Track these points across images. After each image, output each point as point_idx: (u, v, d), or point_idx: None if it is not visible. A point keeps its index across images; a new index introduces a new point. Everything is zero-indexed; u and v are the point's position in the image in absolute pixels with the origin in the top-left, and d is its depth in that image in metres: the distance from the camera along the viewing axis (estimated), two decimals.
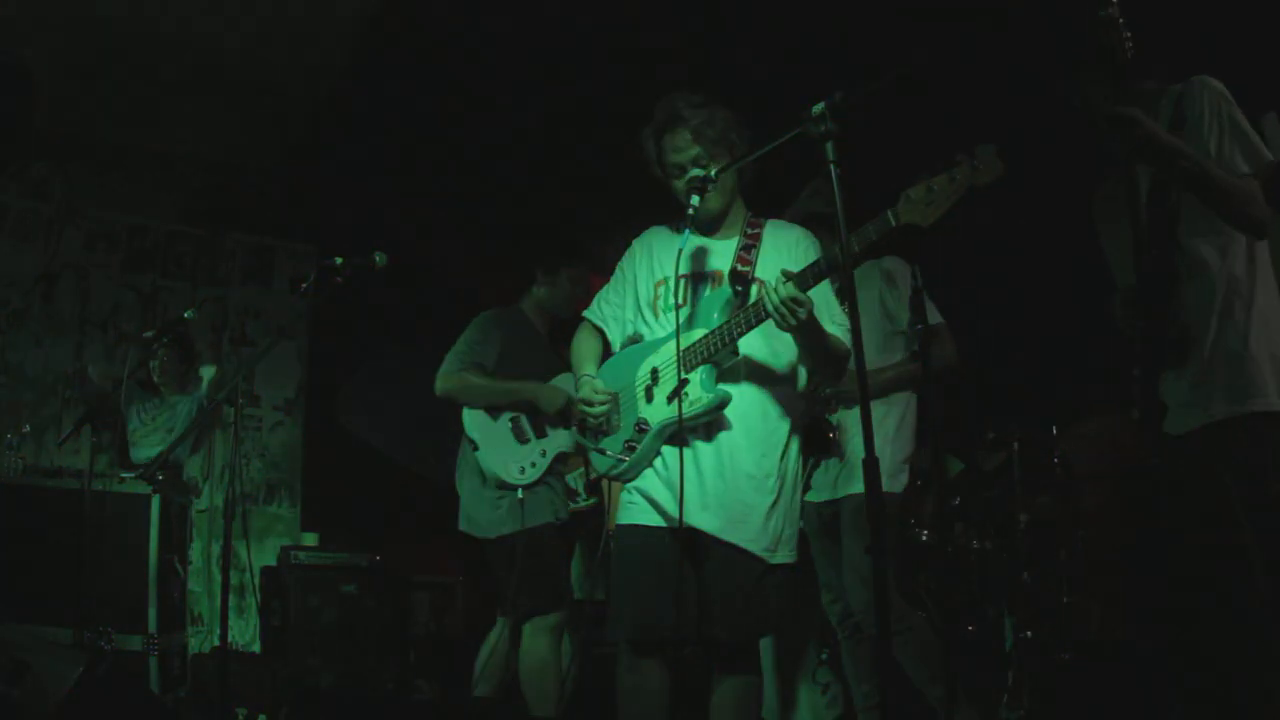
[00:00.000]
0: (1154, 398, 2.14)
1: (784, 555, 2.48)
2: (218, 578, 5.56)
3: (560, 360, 3.71)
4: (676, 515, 2.38)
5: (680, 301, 2.51)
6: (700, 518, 2.41)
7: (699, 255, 2.60)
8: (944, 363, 3.24)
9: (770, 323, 2.32)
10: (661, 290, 2.62)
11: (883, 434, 3.21)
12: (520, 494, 3.49)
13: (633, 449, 2.49)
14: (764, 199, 2.71)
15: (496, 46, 4.75)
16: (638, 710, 2.45)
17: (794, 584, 2.57)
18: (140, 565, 3.92)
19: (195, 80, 5.24)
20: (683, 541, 2.40)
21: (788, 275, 2.28)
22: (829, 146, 1.97)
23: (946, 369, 3.26)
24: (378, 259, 3.34)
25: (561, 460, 3.65)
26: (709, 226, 2.62)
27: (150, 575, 3.92)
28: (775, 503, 2.46)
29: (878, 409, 3.20)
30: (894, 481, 3.25)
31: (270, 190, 6.32)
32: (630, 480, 2.54)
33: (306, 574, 5.14)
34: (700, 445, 2.46)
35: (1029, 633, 3.86)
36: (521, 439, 3.57)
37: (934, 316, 3.25)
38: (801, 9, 4.23)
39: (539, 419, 3.60)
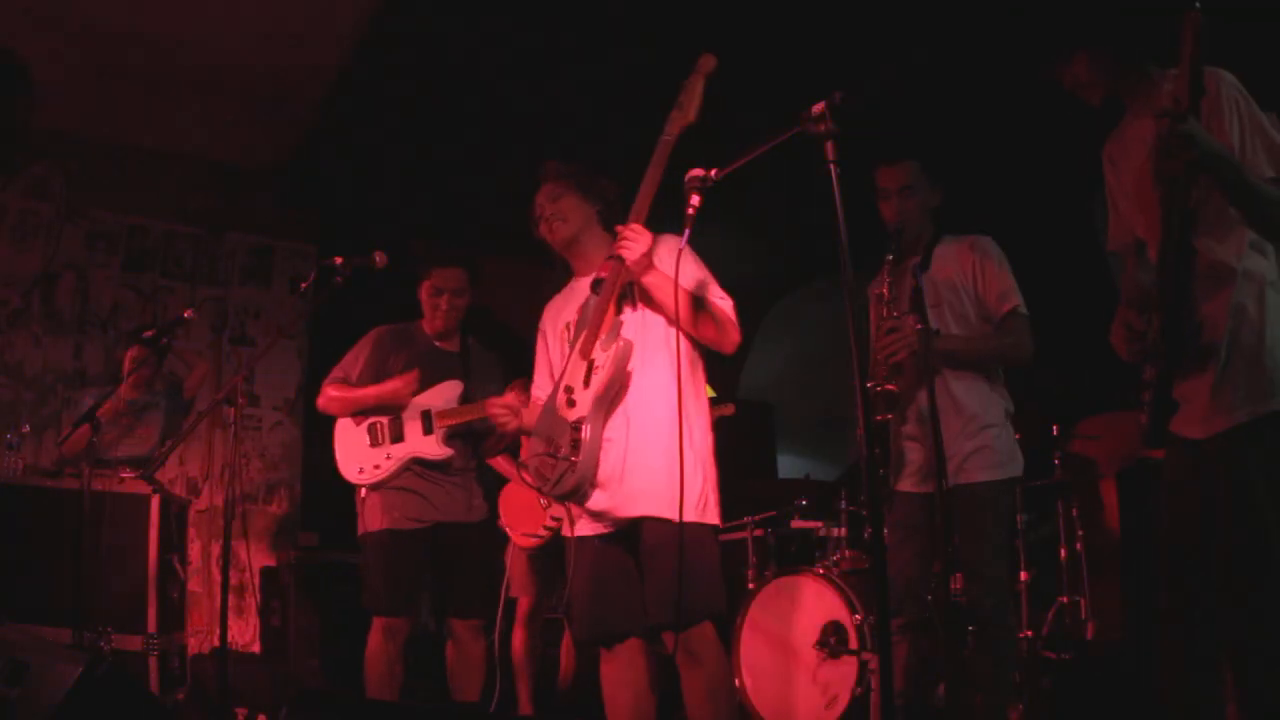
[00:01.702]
0: (1167, 399, 2.13)
1: (709, 516, 2.61)
2: (218, 578, 5.57)
3: (455, 371, 3.82)
4: (601, 511, 2.59)
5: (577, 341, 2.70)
6: (627, 505, 2.55)
7: (585, 300, 2.74)
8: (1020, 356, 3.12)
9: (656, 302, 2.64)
10: (565, 334, 2.80)
11: (994, 416, 3.07)
12: (363, 493, 3.68)
13: (579, 444, 2.55)
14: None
15: (497, 46, 4.75)
16: (618, 704, 2.59)
17: (716, 545, 2.65)
18: (140, 565, 3.92)
19: (195, 80, 5.24)
20: (625, 539, 2.60)
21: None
22: (829, 146, 1.97)
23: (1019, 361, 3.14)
24: (377, 259, 3.37)
25: (425, 461, 3.71)
26: (582, 265, 2.84)
27: (150, 575, 3.92)
28: (687, 465, 2.51)
29: (984, 386, 3.09)
30: (1014, 465, 3.07)
31: (270, 190, 6.32)
32: (586, 487, 2.58)
33: (306, 574, 5.14)
34: (615, 431, 2.58)
35: (1029, 633, 3.87)
36: (372, 442, 3.71)
37: (1019, 306, 3.11)
38: (803, 8, 4.23)
39: (398, 424, 3.72)
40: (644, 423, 2.59)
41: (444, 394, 3.75)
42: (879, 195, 3.19)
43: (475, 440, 3.81)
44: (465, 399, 3.76)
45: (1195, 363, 2.14)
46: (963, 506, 2.95)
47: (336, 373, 3.81)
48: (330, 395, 3.76)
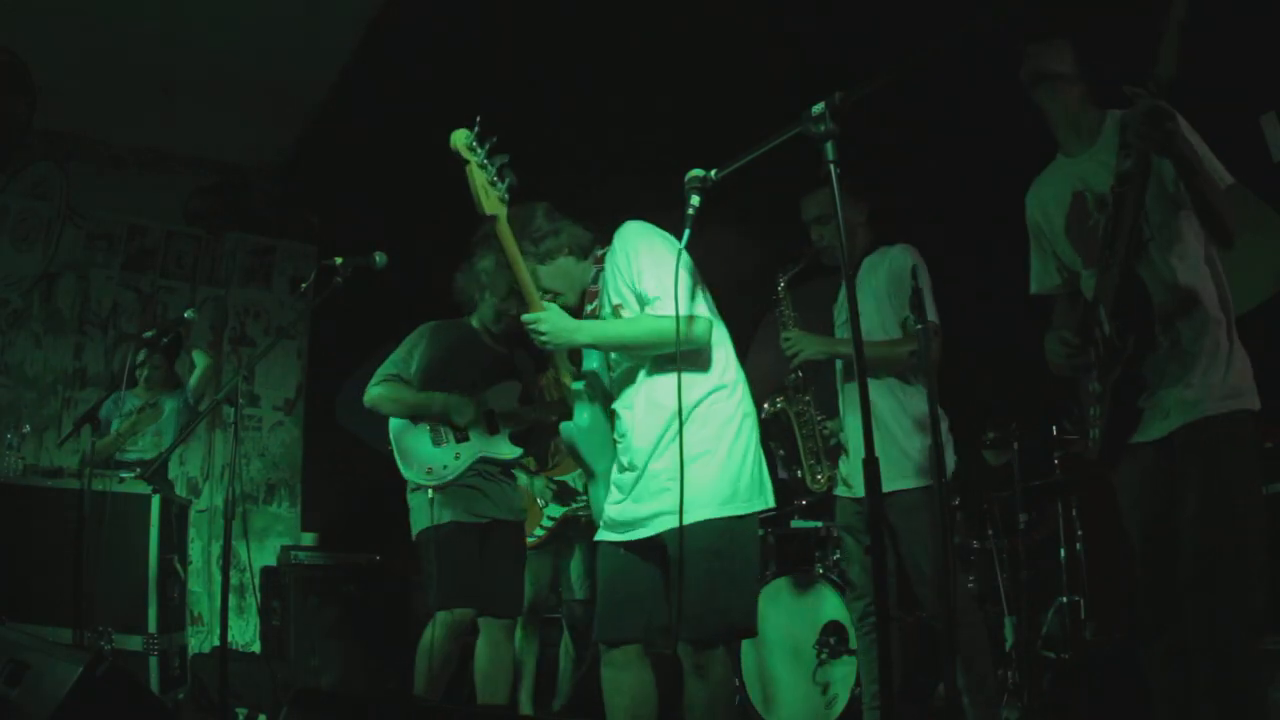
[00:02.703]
0: (1128, 409, 2.25)
1: (737, 507, 2.48)
2: (218, 578, 5.57)
3: (511, 372, 3.81)
4: (624, 523, 2.55)
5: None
6: (646, 522, 2.51)
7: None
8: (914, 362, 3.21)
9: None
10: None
11: (902, 425, 3.16)
12: (430, 493, 3.59)
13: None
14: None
15: (497, 47, 4.75)
16: (613, 707, 2.58)
17: (747, 538, 2.53)
18: (140, 565, 3.92)
19: (195, 80, 5.24)
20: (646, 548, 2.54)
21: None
22: (829, 146, 1.97)
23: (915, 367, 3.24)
24: (378, 259, 3.37)
25: (492, 460, 3.69)
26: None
27: (150, 575, 3.92)
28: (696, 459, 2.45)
29: (898, 394, 3.17)
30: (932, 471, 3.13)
31: (270, 190, 6.33)
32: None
33: (306, 574, 5.14)
34: (621, 444, 2.61)
35: (1029, 633, 3.87)
36: (436, 442, 3.66)
37: (930, 314, 3.22)
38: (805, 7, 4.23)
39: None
40: (650, 441, 2.54)
41: (505, 394, 3.75)
42: (804, 224, 3.35)
43: (526, 440, 3.83)
44: (523, 399, 3.78)
45: (1174, 368, 2.25)
46: (892, 515, 3.08)
47: (389, 368, 3.72)
48: (384, 395, 3.66)
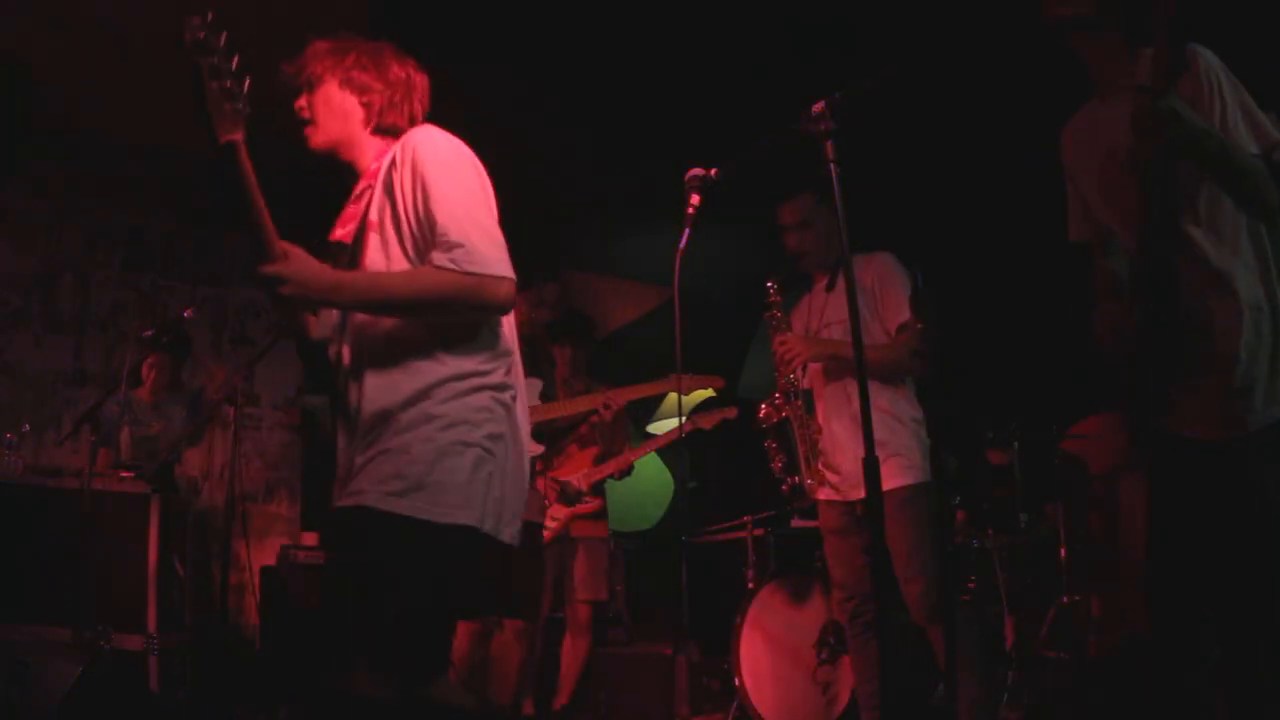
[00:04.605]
0: (1151, 395, 2.06)
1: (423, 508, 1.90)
2: (218, 578, 5.57)
3: (532, 369, 3.76)
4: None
5: None
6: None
7: None
8: (914, 366, 3.24)
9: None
10: None
11: (888, 428, 3.17)
12: None
13: None
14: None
15: (497, 47, 4.75)
16: None
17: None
18: (140, 565, 3.92)
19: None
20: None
21: None
22: (829, 146, 1.98)
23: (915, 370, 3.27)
24: None
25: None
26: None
27: (150, 575, 3.92)
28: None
29: (884, 398, 3.18)
30: (920, 470, 3.17)
31: (270, 189, 6.32)
32: None
33: (306, 574, 5.14)
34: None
35: (1029, 633, 3.87)
36: None
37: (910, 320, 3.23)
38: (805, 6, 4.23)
39: None
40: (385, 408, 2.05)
41: (527, 391, 3.72)
42: (781, 230, 3.37)
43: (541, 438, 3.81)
44: (544, 396, 3.74)
45: (1208, 361, 2.04)
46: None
47: None
48: None
